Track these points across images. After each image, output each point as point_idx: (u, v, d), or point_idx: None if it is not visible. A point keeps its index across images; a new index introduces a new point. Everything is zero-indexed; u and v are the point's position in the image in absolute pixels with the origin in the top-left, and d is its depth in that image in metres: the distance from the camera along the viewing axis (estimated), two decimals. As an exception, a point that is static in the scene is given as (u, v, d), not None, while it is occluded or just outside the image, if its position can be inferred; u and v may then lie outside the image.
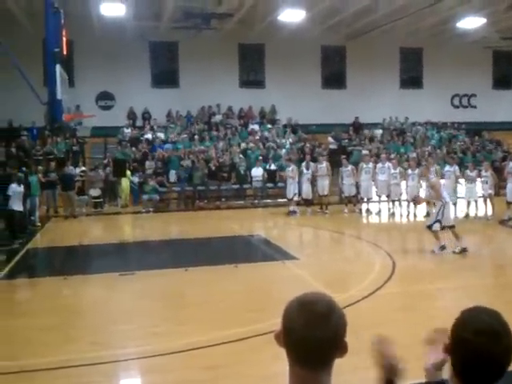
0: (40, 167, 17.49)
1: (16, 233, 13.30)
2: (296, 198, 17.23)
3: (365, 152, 20.13)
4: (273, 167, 20.16)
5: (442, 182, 13.79)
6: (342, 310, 1.51)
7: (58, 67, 11.59)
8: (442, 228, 10.52)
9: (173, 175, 19.72)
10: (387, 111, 25.77)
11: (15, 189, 13.29)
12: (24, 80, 18.49)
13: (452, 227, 10.64)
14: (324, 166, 17.18)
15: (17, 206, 13.23)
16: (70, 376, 5.38)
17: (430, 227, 10.64)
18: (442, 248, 10.64)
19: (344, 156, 19.22)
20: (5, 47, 12.41)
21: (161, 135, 22.30)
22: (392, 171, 16.68)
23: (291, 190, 17.17)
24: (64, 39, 12.96)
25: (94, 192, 18.65)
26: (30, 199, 14.96)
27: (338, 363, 1.53)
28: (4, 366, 5.53)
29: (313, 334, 1.42)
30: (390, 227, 16.00)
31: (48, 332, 6.62)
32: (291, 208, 17.01)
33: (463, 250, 10.46)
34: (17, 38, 20.03)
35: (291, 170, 17.35)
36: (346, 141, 23.29)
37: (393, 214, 16.73)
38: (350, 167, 17.42)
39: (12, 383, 5.23)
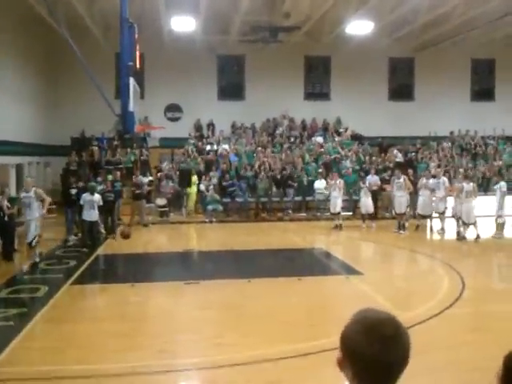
0: (110, 176, 18.05)
1: (85, 240, 13.80)
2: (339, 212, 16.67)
3: (432, 165, 19.60)
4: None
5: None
6: (405, 328, 1.45)
7: (131, 80, 11.95)
8: None
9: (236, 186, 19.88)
10: (457, 124, 25.03)
11: (85, 198, 13.75)
12: (96, 92, 19.21)
13: None
14: (401, 181, 15.82)
15: (87, 215, 13.69)
16: (136, 383, 5.50)
17: None
18: None
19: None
20: (81, 60, 12.96)
21: (225, 147, 22.58)
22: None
23: (336, 203, 16.52)
24: (137, 53, 13.37)
25: (161, 201, 19.11)
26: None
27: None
28: (72, 370, 5.72)
29: (386, 358, 1.38)
30: (459, 245, 15.34)
31: (117, 338, 6.81)
32: (337, 222, 16.56)
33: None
34: (91, 52, 20.85)
35: (338, 182, 16.69)
36: (413, 154, 22.70)
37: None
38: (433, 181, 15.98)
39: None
